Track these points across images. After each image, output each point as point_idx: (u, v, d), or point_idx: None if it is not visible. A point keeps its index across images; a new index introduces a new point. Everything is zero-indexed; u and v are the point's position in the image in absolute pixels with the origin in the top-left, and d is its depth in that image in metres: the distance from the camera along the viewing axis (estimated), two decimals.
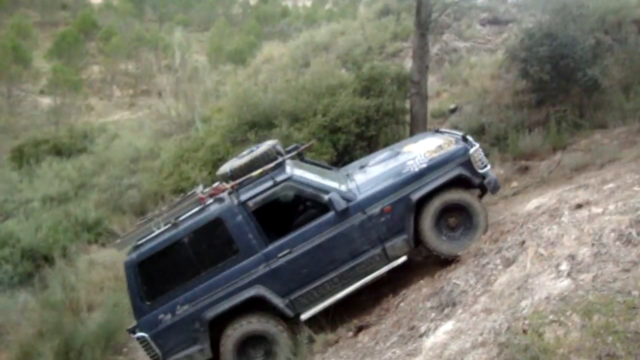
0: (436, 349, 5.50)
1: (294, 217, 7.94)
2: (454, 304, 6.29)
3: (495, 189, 7.98)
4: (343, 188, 7.66)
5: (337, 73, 12.50)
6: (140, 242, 7.53)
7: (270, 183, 7.37)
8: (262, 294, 7.30)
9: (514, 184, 10.48)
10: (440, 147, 7.82)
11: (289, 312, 7.45)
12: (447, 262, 7.62)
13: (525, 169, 10.76)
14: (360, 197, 7.50)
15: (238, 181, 7.53)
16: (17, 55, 32.52)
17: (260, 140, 11.08)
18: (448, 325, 5.87)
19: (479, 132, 11.92)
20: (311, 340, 7.31)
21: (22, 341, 9.58)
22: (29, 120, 30.76)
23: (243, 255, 7.33)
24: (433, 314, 6.43)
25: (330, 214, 7.39)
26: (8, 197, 16.14)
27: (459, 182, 7.69)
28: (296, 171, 7.62)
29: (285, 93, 12.00)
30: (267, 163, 7.67)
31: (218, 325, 7.35)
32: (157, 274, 7.38)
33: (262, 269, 7.33)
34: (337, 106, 11.00)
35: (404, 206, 7.50)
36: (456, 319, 5.89)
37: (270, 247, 7.38)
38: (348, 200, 7.42)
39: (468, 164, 7.67)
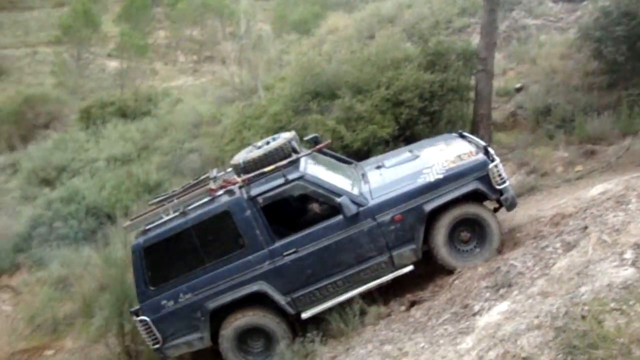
0: (489, 328, 5.46)
1: (304, 216, 7.90)
2: (510, 285, 6.21)
3: (511, 206, 7.65)
4: (355, 191, 7.51)
5: (402, 46, 12.30)
6: (148, 227, 7.59)
7: (281, 180, 7.26)
8: (264, 290, 7.32)
9: (578, 167, 10.21)
10: (459, 157, 7.58)
11: (290, 310, 7.46)
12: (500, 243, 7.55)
13: (591, 153, 10.45)
14: (372, 202, 7.36)
15: (249, 175, 7.41)
16: (87, 19, 33.20)
17: (322, 110, 11.09)
18: (503, 306, 5.81)
19: (545, 113, 11.64)
20: (363, 313, 7.36)
21: (85, 293, 9.99)
22: (96, 83, 31.52)
23: (249, 250, 7.33)
24: (488, 294, 6.37)
25: (340, 217, 7.29)
26: (75, 156, 16.68)
27: (474, 196, 7.50)
28: (310, 169, 7.47)
29: (349, 64, 11.91)
30: (281, 158, 7.52)
31: (219, 315, 7.45)
32: (162, 261, 7.47)
33: (266, 266, 7.32)
34: (401, 79, 10.87)
35: (415, 216, 7.34)
36: (511, 300, 5.83)
37: (277, 244, 7.35)
38: (359, 205, 7.29)
39: (486, 178, 7.39)
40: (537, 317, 4.95)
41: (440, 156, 7.73)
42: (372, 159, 9.03)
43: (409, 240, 7.39)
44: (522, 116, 12.35)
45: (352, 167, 8.62)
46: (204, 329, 7.44)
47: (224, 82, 18.20)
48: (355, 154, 10.75)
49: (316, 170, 7.59)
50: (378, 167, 8.16)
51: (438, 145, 8.25)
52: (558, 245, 6.37)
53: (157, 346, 7.54)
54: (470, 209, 7.44)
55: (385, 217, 7.30)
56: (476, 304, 6.25)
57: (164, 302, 7.41)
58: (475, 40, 12.53)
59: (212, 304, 7.33)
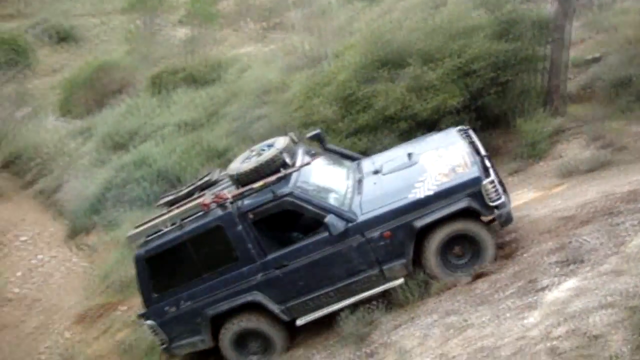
0: (557, 304, 5.38)
1: (296, 229, 7.83)
2: (581, 261, 6.08)
3: (506, 222, 7.37)
4: (346, 205, 7.47)
5: (474, 14, 11.99)
6: (149, 238, 7.89)
7: (270, 196, 7.32)
8: (258, 300, 7.54)
9: None
10: (453, 169, 7.32)
11: (285, 317, 7.65)
12: (571, 218, 7.34)
13: None
14: (361, 218, 7.29)
15: (239, 191, 7.52)
16: None
17: (391, 78, 10.99)
18: (572, 282, 5.72)
19: (623, 85, 11.16)
20: (426, 283, 7.35)
21: None
22: (166, 50, 31.90)
23: (242, 263, 7.52)
24: (557, 269, 6.25)
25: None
26: (147, 121, 17.07)
27: (467, 211, 7.20)
28: (300, 184, 7.45)
29: (419, 32, 11.73)
30: (272, 170, 7.52)
31: (219, 319, 7.78)
32: (163, 270, 7.82)
33: (259, 277, 7.51)
34: (472, 48, 10.65)
35: (405, 233, 7.21)
36: (582, 277, 5.72)
37: (269, 257, 7.49)
38: (348, 220, 7.24)
39: (478, 195, 7.07)
40: (609, 295, 4.85)
41: (436, 166, 7.53)
42: (375, 157, 8.82)
43: (399, 255, 7.31)
44: (598, 88, 11.88)
45: (353, 166, 8.53)
46: (205, 333, 7.83)
47: (293, 49, 18.14)
48: (424, 123, 10.68)
49: (308, 182, 7.61)
50: (375, 172, 8.05)
51: (439, 149, 7.98)
52: (636, 222, 6.17)
53: (164, 346, 8.03)
54: (463, 226, 7.24)
55: (374, 234, 7.25)
56: (544, 278, 6.16)
57: (166, 308, 7.82)
58: (551, 7, 12.07)
59: (210, 311, 7.68)
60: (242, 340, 7.88)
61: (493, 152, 11.01)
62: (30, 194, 17.27)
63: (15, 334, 10.30)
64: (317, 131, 8.97)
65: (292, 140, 8.37)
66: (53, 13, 40.85)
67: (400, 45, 11.54)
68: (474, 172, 7.17)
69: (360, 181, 7.99)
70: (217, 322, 7.82)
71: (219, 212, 7.48)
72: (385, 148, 10.61)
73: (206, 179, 8.69)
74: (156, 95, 19.42)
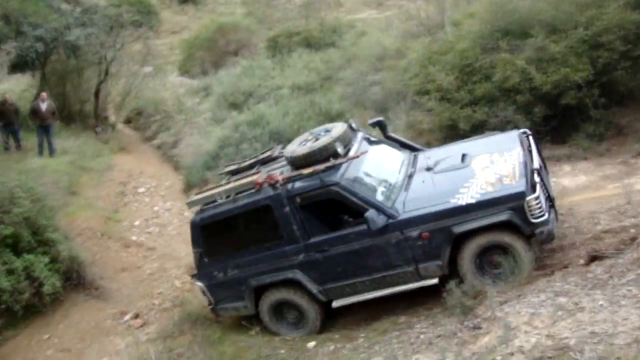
0: None
1: (340, 216, 7.85)
2: None
3: (546, 241, 7.13)
4: (389, 202, 7.50)
5: None
6: (205, 207, 8.32)
7: (318, 184, 7.49)
8: (298, 279, 7.82)
9: None
10: (500, 179, 7.15)
11: (322, 298, 7.89)
12: None
13: None
14: (402, 216, 7.32)
15: (289, 175, 7.73)
16: None
17: (512, 49, 10.62)
18: None
19: None
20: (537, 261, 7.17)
21: None
22: (283, 13, 32.26)
23: (286, 242, 7.79)
24: None
25: None
26: (262, 82, 17.45)
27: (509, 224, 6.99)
28: (349, 175, 7.53)
29: (544, 1, 11.20)
30: (324, 157, 7.65)
31: (261, 289, 8.14)
32: (214, 238, 8.19)
33: (301, 258, 7.76)
34: (602, 19, 10.05)
35: (443, 236, 7.17)
36: None
37: (312, 240, 7.70)
38: (389, 216, 7.31)
39: (521, 210, 6.86)
40: None
41: (485, 172, 7.38)
42: (433, 151, 8.73)
43: (436, 256, 7.30)
44: None
45: (409, 158, 8.45)
46: (248, 300, 8.21)
47: (410, 16, 17.84)
48: (543, 97, 10.29)
49: (358, 173, 7.68)
50: (428, 169, 7.97)
51: (494, 153, 7.75)
52: None
53: (211, 307, 8.51)
54: (502, 238, 7.10)
55: (413, 233, 7.28)
56: None
57: (215, 272, 8.27)
58: None
59: (254, 282, 8.06)
60: (280, 309, 8.22)
61: (617, 132, 10.52)
62: (150, 148, 18.23)
63: (133, 276, 10.98)
64: (380, 119, 9.12)
65: (351, 127, 8.45)
66: None
67: (522, 15, 11.10)
68: (519, 185, 7.01)
69: (411, 176, 8.00)
70: (259, 292, 8.18)
71: (270, 191, 7.76)
72: (501, 121, 10.40)
73: (268, 153, 9.01)
74: (272, 57, 19.75)
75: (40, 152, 15.84)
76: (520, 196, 6.88)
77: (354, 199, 7.40)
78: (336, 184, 7.41)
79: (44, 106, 15.86)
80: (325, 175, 7.50)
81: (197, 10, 39.42)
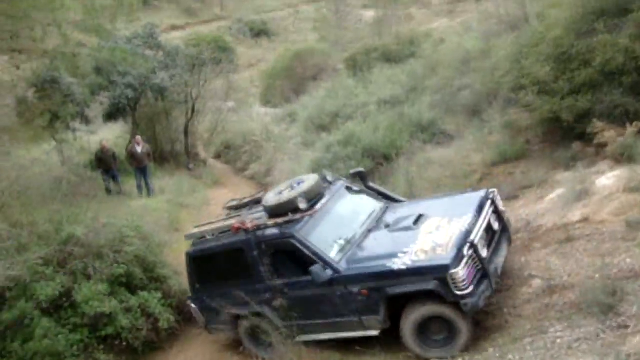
0: None
1: (300, 264, 8.17)
2: None
3: (470, 311, 7.13)
4: (338, 257, 7.96)
5: None
6: (198, 240, 9.39)
7: (278, 234, 8.28)
8: (266, 314, 8.61)
9: None
10: (434, 249, 7.38)
11: (287, 333, 8.45)
12: None
13: None
14: (345, 272, 7.78)
15: (257, 224, 8.55)
16: None
17: (610, 29, 10.01)
18: None
19: None
20: None
21: None
22: (354, 34, 32.46)
23: (256, 280, 8.60)
24: None
25: None
26: (346, 101, 17.37)
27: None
28: (307, 228, 8.15)
29: None
30: (289, 209, 8.38)
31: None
32: (203, 269, 9.25)
33: (267, 295, 8.52)
34: None
35: (379, 295, 7.56)
36: None
37: (276, 282, 8.43)
38: (335, 271, 7.76)
39: (444, 281, 7.04)
40: None
41: (426, 239, 7.65)
42: (401, 207, 9.11)
43: (375, 312, 7.69)
44: None
45: (380, 212, 8.93)
46: (231, 325, 9.21)
47: (489, 15, 17.41)
48: None
49: (317, 226, 8.26)
50: (386, 226, 8.42)
51: (446, 217, 7.99)
52: None
53: (203, 325, 9.64)
54: (438, 309, 7.31)
55: (355, 289, 7.71)
56: None
57: (205, 298, 9.27)
58: None
59: (233, 311, 8.97)
60: (255, 333, 9.07)
61: None
62: (243, 180, 18.43)
63: None
64: (360, 170, 9.89)
65: (325, 179, 9.24)
66: (246, 12, 43.55)
67: None
68: (445, 258, 7.16)
69: (370, 231, 8.47)
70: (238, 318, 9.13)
71: (243, 236, 8.63)
72: (608, 107, 9.81)
73: (260, 195, 9.83)
74: (353, 76, 19.72)
75: (140, 193, 16.32)
76: (443, 269, 7.07)
77: (306, 252, 7.99)
78: (292, 236, 8.10)
79: (139, 149, 16.34)
80: (285, 228, 8.27)
81: (270, 41, 40.31)
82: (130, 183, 16.95)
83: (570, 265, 7.72)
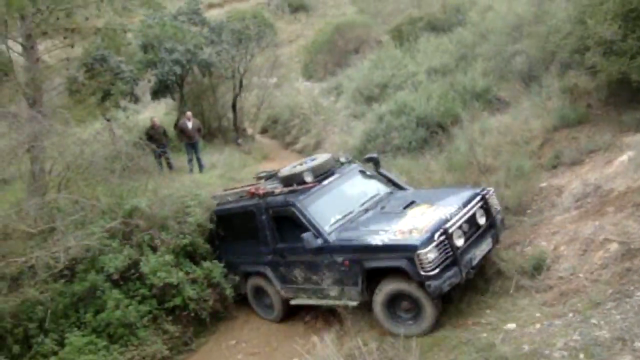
0: None
1: (298, 231, 8.79)
2: None
3: (433, 294, 7.63)
4: (331, 229, 8.64)
5: None
6: (222, 201, 10.47)
7: (283, 201, 9.12)
8: (267, 274, 9.62)
9: None
10: (410, 230, 7.91)
11: (284, 294, 9.52)
12: None
13: None
14: (333, 243, 8.49)
15: (266, 191, 9.52)
16: None
17: None
18: None
19: None
20: None
21: None
22: (394, 5, 31.96)
23: (262, 243, 9.56)
24: None
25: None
26: (395, 72, 17.11)
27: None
28: (309, 199, 8.95)
29: None
30: (298, 181, 9.26)
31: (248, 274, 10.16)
32: (222, 227, 10.37)
33: (269, 257, 9.50)
34: None
35: (358, 268, 8.24)
36: None
37: (278, 245, 9.35)
38: (325, 240, 8.51)
39: (413, 261, 7.57)
40: None
41: (408, 221, 8.19)
42: (406, 192, 9.70)
43: (355, 283, 8.37)
44: None
45: (382, 196, 9.50)
46: (240, 280, 10.23)
47: None
48: None
49: (319, 199, 9.03)
50: (381, 208, 9.04)
51: (433, 205, 8.51)
52: None
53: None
54: (407, 287, 7.85)
55: (339, 259, 8.44)
56: None
57: (222, 253, 10.41)
58: None
59: (242, 268, 10.08)
60: (259, 292, 10.11)
61: None
62: (292, 154, 18.39)
63: None
64: (374, 155, 10.34)
65: (336, 160, 9.99)
66: None
67: None
68: (417, 239, 7.66)
69: (366, 211, 9.09)
70: (247, 275, 10.19)
71: (255, 201, 9.57)
72: None
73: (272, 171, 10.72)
74: (399, 47, 19.42)
75: (191, 169, 16.41)
76: (412, 248, 7.59)
77: (303, 220, 8.78)
78: (293, 204, 8.93)
79: (190, 124, 16.41)
80: (289, 196, 9.10)
81: (309, 16, 39.90)
82: (180, 159, 17.07)
83: None
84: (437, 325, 7.94)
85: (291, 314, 9.81)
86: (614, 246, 7.57)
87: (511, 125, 11.76)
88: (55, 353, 8.45)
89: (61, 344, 8.58)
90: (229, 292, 9.92)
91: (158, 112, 20.64)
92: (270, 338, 9.65)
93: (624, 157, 9.31)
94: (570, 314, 6.88)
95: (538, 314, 7.26)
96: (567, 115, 11.04)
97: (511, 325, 7.22)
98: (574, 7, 11.80)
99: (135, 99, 17.86)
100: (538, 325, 6.98)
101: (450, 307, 8.30)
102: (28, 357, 8.35)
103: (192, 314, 9.49)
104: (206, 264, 9.97)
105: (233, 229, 10.13)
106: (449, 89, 14.18)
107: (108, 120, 16.31)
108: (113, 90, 15.94)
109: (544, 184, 10.01)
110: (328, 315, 9.28)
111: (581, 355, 5.97)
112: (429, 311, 7.83)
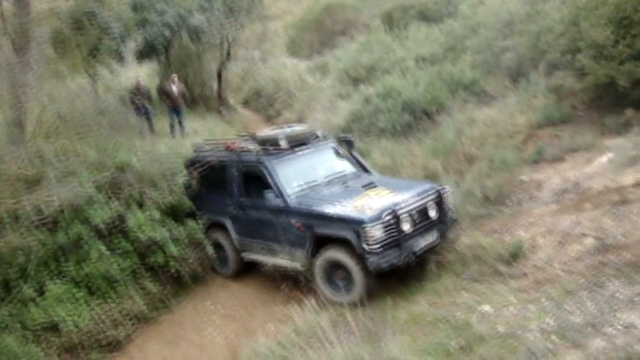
0: None
1: (263, 189, 9.38)
2: None
3: (373, 269, 8.23)
4: (292, 192, 9.23)
5: None
6: (198, 150, 10.96)
7: (253, 159, 9.66)
8: (226, 225, 10.18)
9: None
10: (363, 207, 8.48)
11: (237, 246, 10.15)
12: None
13: None
14: (292, 206, 9.07)
15: (240, 147, 10.09)
16: None
17: None
18: None
19: None
20: None
21: None
22: None
23: (228, 194, 10.10)
24: None
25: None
26: (383, 56, 17.26)
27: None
28: (277, 161, 9.47)
29: None
30: (273, 144, 9.70)
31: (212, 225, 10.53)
32: (196, 173, 10.49)
33: (232, 210, 10.08)
34: None
35: (309, 232, 8.84)
36: None
37: (242, 199, 9.90)
38: (285, 202, 9.13)
39: (358, 234, 8.18)
40: None
41: (363, 199, 8.78)
42: (371, 175, 10.23)
43: (303, 247, 8.98)
44: None
45: (348, 174, 10.08)
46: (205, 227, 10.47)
47: None
48: None
49: (288, 164, 9.55)
50: (344, 183, 9.65)
51: (391, 190, 9.05)
52: None
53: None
54: (343, 257, 8.47)
55: (293, 221, 9.04)
56: None
57: (197, 198, 10.64)
58: None
59: (208, 217, 10.47)
60: (217, 244, 10.40)
61: None
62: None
63: None
64: (349, 137, 10.93)
65: (313, 133, 10.43)
66: None
67: None
68: (366, 215, 8.27)
69: (329, 184, 9.65)
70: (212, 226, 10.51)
71: (229, 154, 10.10)
72: None
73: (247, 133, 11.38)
74: (389, 32, 19.53)
75: (173, 134, 16.29)
76: (359, 222, 8.20)
77: (269, 180, 9.32)
78: (262, 163, 9.45)
79: (175, 88, 16.28)
80: (261, 156, 9.58)
81: None
82: (161, 123, 16.93)
83: (624, 226, 7.79)
84: (381, 298, 8.41)
85: (251, 277, 10.40)
86: (589, 240, 7.85)
87: (497, 119, 12.01)
88: (33, 300, 8.45)
89: (40, 292, 8.58)
90: (208, 249, 10.14)
91: (141, 74, 20.39)
92: (246, 303, 9.81)
93: (604, 158, 9.65)
94: (544, 300, 7.11)
95: (513, 299, 7.47)
96: (552, 113, 11.35)
97: (486, 307, 7.42)
98: (569, 9, 12.06)
99: (121, 58, 17.68)
100: (512, 309, 7.20)
101: (426, 286, 8.55)
102: (7, 302, 8.33)
103: (173, 273, 9.59)
104: (190, 223, 10.13)
105: (205, 177, 10.44)
106: (436, 77, 14.37)
107: (90, 76, 16.15)
108: (101, 46, 15.76)
109: (524, 177, 10.30)
110: (305, 288, 9.45)
111: (554, 337, 6.21)
112: (358, 283, 8.41)
